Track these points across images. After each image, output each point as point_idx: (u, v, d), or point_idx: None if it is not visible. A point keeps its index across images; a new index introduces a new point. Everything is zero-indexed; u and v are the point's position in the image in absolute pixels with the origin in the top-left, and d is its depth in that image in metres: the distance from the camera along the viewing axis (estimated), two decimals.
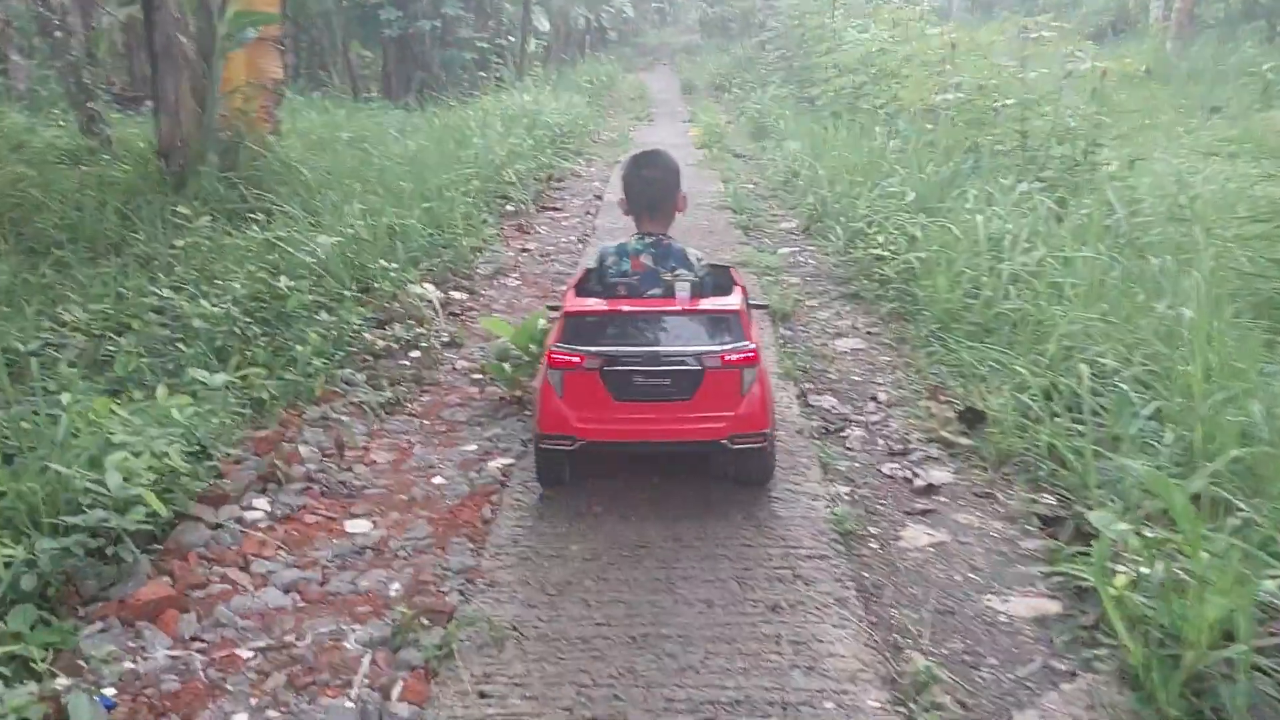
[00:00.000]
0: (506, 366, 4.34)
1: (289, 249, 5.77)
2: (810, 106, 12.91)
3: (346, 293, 5.29)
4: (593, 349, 3.28)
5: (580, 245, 7.57)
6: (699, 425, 3.28)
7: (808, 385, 4.51)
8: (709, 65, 24.34)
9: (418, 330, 5.37)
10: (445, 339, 5.29)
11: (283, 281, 4.99)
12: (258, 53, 9.36)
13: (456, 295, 6.17)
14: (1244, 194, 7.18)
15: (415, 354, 5.04)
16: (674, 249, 3.62)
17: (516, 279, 6.63)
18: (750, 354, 3.28)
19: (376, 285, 5.84)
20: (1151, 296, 4.35)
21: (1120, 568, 2.72)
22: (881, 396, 4.38)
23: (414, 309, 5.67)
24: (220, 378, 3.81)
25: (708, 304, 3.44)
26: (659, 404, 3.29)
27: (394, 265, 5.85)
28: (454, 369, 4.92)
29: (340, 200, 7.04)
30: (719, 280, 3.72)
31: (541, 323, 4.46)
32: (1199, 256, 4.72)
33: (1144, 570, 2.65)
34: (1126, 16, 24.03)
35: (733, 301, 3.46)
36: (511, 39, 20.57)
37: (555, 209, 9.10)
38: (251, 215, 6.89)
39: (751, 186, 9.83)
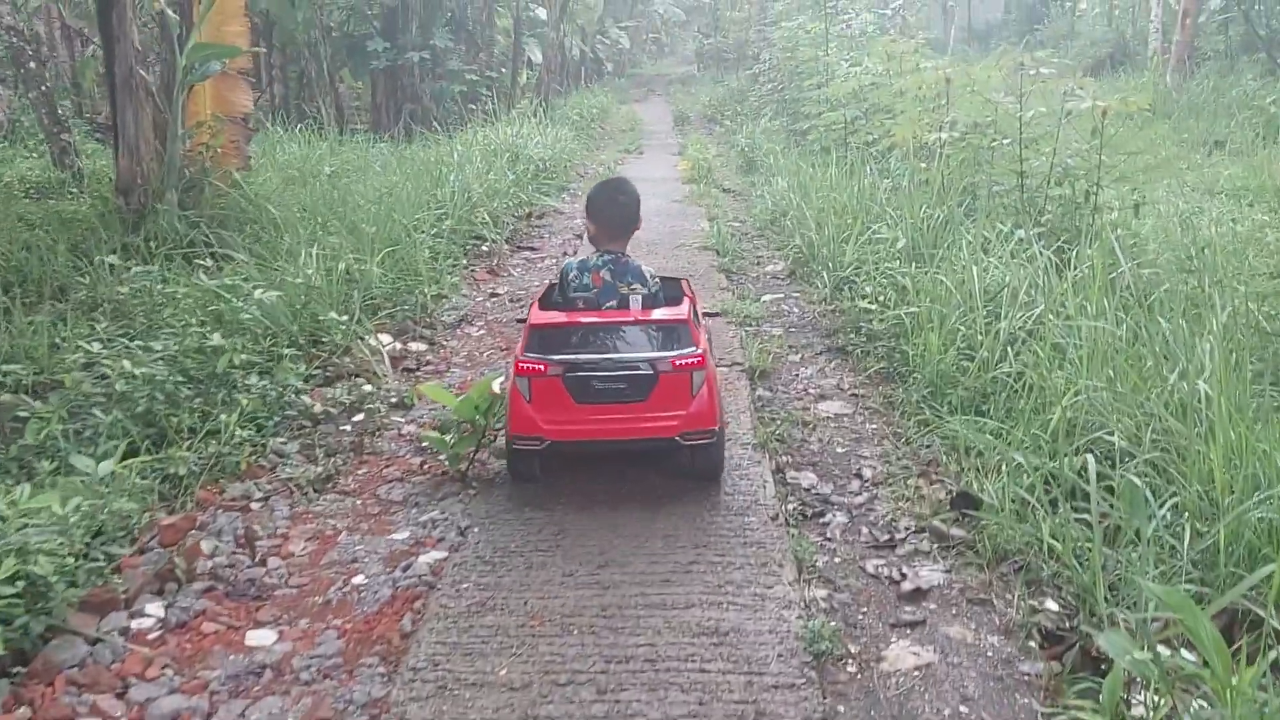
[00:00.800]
0: (449, 438, 3.92)
1: (234, 299, 5.38)
2: (801, 140, 12.57)
3: (287, 351, 4.87)
4: (555, 357, 3.61)
5: None
6: (654, 424, 3.60)
7: (785, 458, 4.08)
8: (703, 97, 24.09)
9: (365, 389, 4.96)
10: (394, 399, 4.87)
11: (216, 338, 4.58)
12: (226, 85, 9.02)
13: (415, 347, 5.76)
14: (1254, 239, 6.81)
15: (359, 417, 4.62)
16: (631, 265, 3.97)
17: (481, 327, 6.22)
18: (699, 358, 3.62)
19: (327, 338, 5.44)
20: (1162, 362, 3.94)
21: (1137, 710, 2.30)
22: (867, 473, 3.96)
23: (365, 364, 5.26)
24: (107, 465, 3.38)
25: (659, 314, 3.78)
26: (617, 405, 3.61)
27: (345, 318, 5.43)
28: (399, 434, 4.50)
29: (300, 242, 6.66)
30: (671, 292, 4.07)
31: (496, 385, 4.05)
32: (1211, 313, 4.32)
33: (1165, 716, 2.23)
34: (1125, 49, 23.80)
35: (681, 311, 3.79)
36: (503, 70, 20.31)
37: (531, 248, 8.72)
38: (205, 258, 6.53)
39: (738, 225, 9.45)
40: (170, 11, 7.84)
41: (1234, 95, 17.23)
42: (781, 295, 6.66)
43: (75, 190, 9.47)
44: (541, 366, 3.62)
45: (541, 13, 21.17)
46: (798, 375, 5.10)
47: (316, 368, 5.21)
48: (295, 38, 18.09)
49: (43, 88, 10.52)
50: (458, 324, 6.25)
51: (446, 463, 3.94)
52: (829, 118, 11.04)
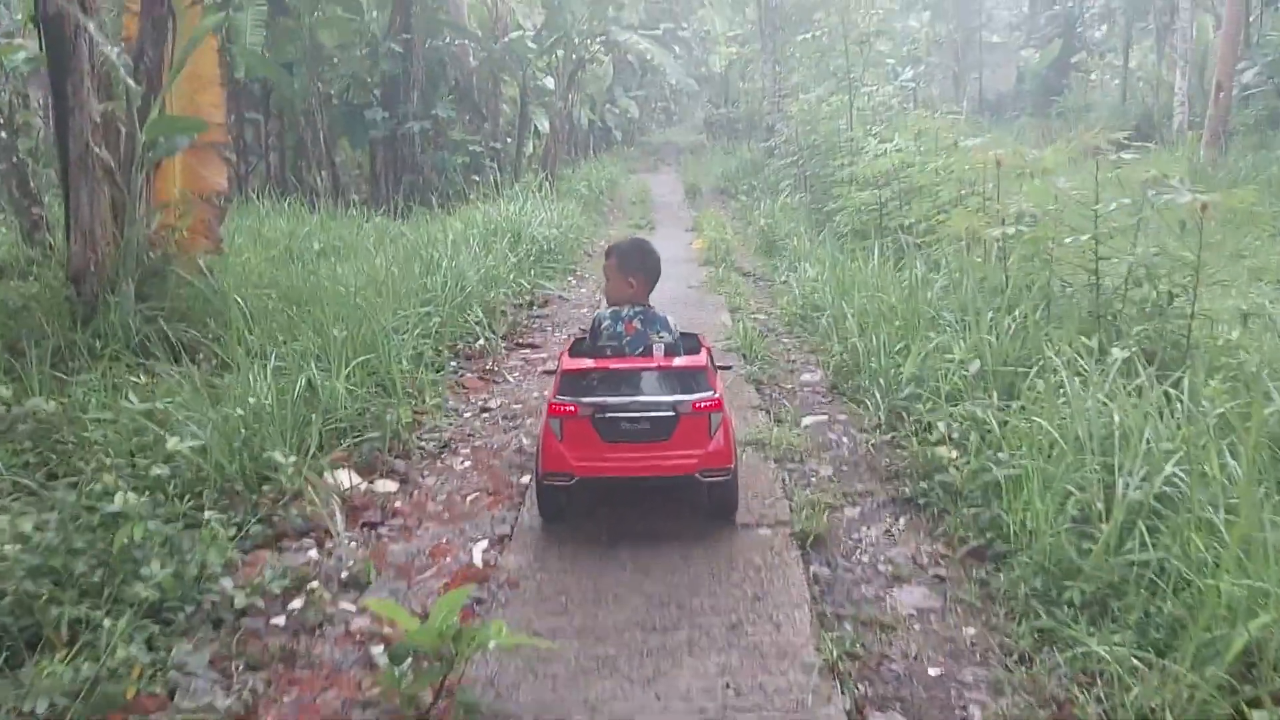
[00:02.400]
0: (402, 673, 2.85)
1: (162, 430, 4.39)
2: (825, 220, 11.64)
3: (209, 514, 3.83)
4: (585, 399, 3.95)
5: None
6: (675, 461, 3.92)
7: (862, 689, 3.01)
8: (715, 168, 23.30)
9: (310, 556, 3.93)
10: (346, 571, 3.82)
11: (119, 500, 3.54)
12: (199, 160, 8.14)
13: (382, 487, 4.73)
14: None
15: (296, 604, 3.56)
16: (658, 316, 4.42)
17: (467, 457, 5.19)
18: (716, 402, 3.95)
19: (273, 479, 4.41)
20: None
21: None
22: (976, 715, 2.89)
23: (317, 518, 4.23)
24: None
25: (680, 361, 4.13)
26: (642, 444, 3.94)
27: (292, 460, 4.40)
28: (347, 632, 3.44)
29: (267, 343, 5.71)
30: (689, 344, 4.41)
31: (468, 594, 3.03)
32: None
33: None
34: (1151, 122, 23.05)
35: (700, 360, 4.17)
36: (509, 140, 19.57)
37: (531, 345, 7.72)
38: (165, 358, 5.58)
39: (763, 318, 8.45)
40: (131, 81, 6.95)
41: (1274, 171, 16.36)
42: (825, 417, 5.61)
43: (39, 270, 8.57)
44: (573, 408, 3.95)
45: (549, 82, 20.50)
46: (860, 541, 4.03)
47: (257, 521, 4.18)
48: (293, 105, 17.38)
49: (13, 159, 9.64)
50: (439, 453, 5.22)
51: (400, 703, 2.86)
52: (860, 198, 10.11)
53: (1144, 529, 3.40)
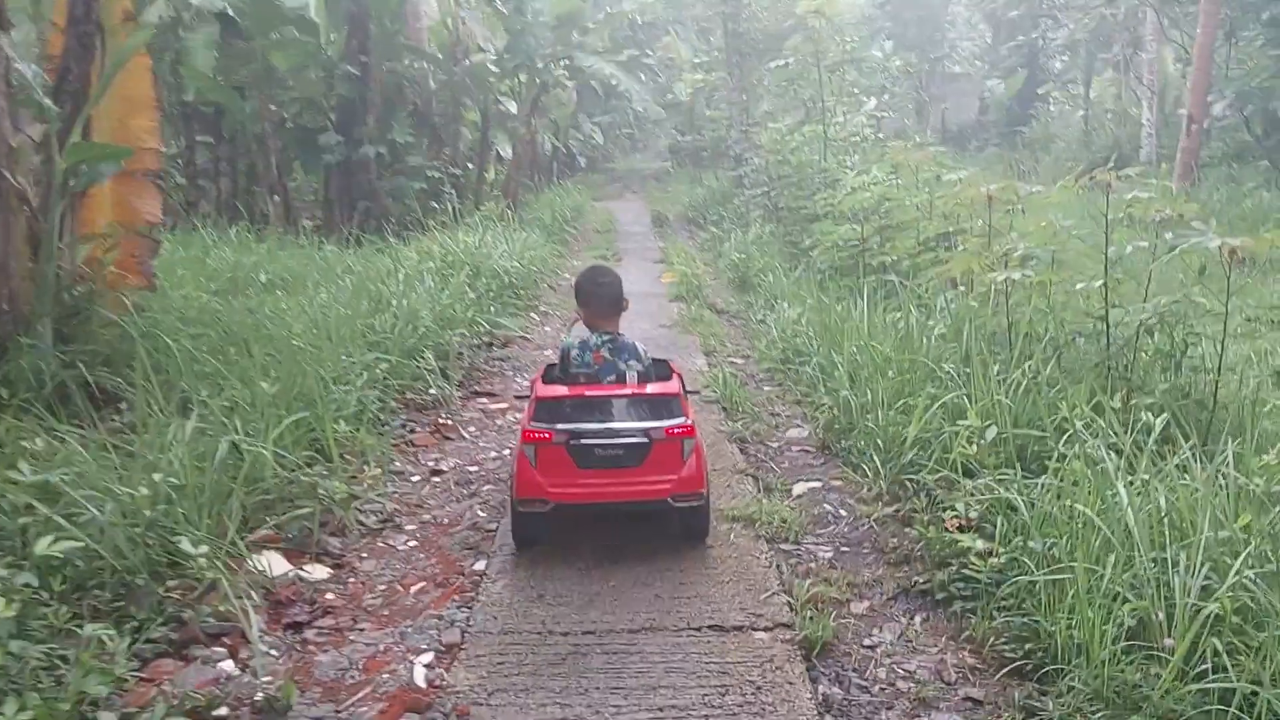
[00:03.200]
0: None
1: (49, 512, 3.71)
2: (802, 255, 11.12)
3: (92, 629, 3.16)
4: (560, 426, 4.01)
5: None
6: (648, 487, 4.00)
7: None
8: (681, 196, 22.79)
9: (222, 669, 3.27)
10: (261, 694, 3.16)
11: None
12: (131, 190, 7.44)
13: (314, 573, 4.08)
14: None
15: None
16: (626, 343, 4.42)
17: (413, 535, 4.54)
18: (688, 428, 4.05)
19: (186, 566, 3.75)
20: None
21: None
22: None
23: (234, 615, 3.57)
24: None
25: (653, 388, 4.23)
26: (616, 470, 4.02)
27: (204, 550, 3.73)
28: None
29: (189, 396, 5.05)
30: (660, 370, 4.46)
31: None
32: None
33: None
34: (1121, 155, 22.88)
35: (672, 386, 4.23)
36: (470, 166, 18.94)
37: (490, 394, 7.08)
38: (52, 421, 4.86)
39: (741, 363, 7.89)
40: (48, 101, 6.29)
41: (1247, 206, 16.15)
42: (818, 483, 5.03)
43: None
44: (547, 435, 3.98)
45: (512, 106, 19.92)
46: (875, 649, 3.43)
47: (163, 622, 3.52)
48: (245, 129, 16.67)
49: None
50: (381, 528, 4.57)
51: None
52: (839, 233, 9.60)
53: (1219, 646, 2.84)
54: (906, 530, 4.27)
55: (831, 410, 5.82)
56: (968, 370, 5.25)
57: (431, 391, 6.67)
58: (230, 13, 15.35)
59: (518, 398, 5.16)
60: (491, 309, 9.28)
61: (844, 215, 9.86)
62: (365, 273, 9.02)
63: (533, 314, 10.30)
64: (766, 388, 7.08)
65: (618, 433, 4.01)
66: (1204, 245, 4.88)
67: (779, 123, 15.61)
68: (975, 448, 4.31)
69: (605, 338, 4.42)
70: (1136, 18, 25.35)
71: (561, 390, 4.19)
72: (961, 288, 6.38)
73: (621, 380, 4.28)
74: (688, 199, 21.77)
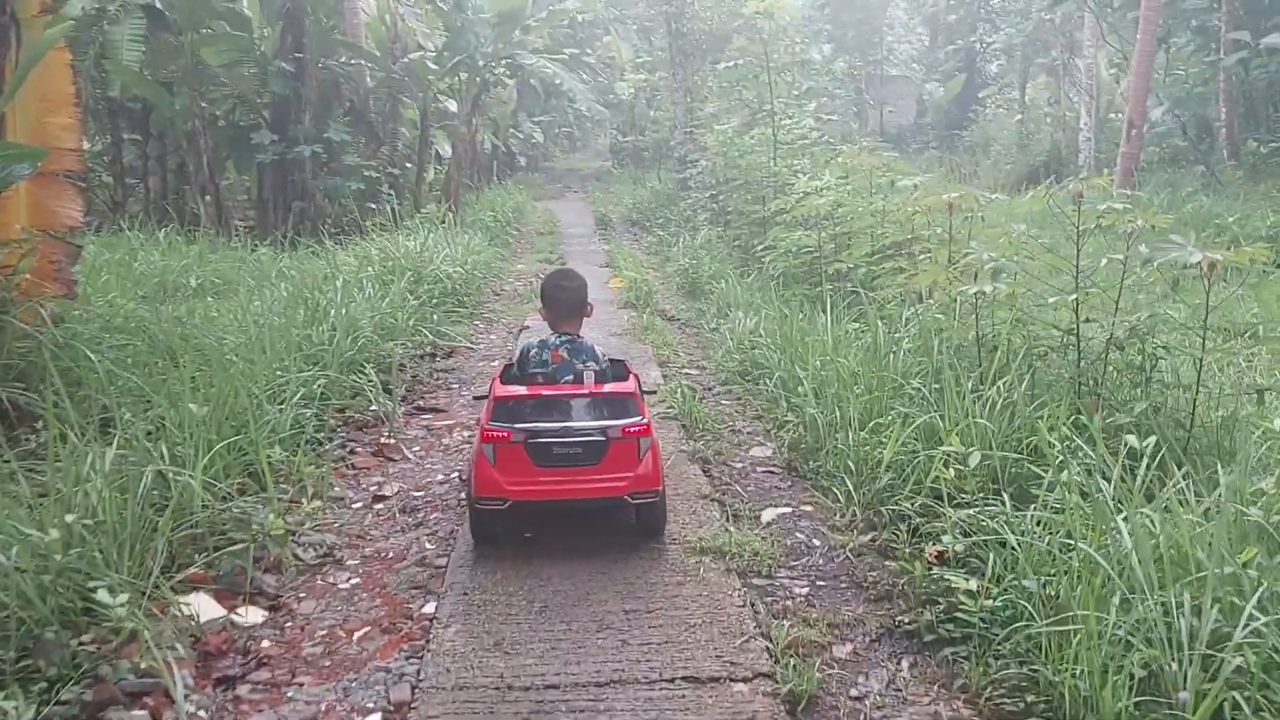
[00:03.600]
0: None
1: None
2: (754, 261, 10.90)
3: None
4: (518, 425, 4.07)
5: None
6: (606, 484, 4.06)
7: None
8: (625, 197, 22.50)
9: None
10: None
11: None
12: (49, 192, 6.97)
13: (246, 616, 3.72)
14: None
15: None
16: (584, 345, 4.55)
17: (356, 570, 4.18)
18: (644, 426, 4.13)
19: (102, 613, 3.37)
20: None
21: None
22: None
23: (157, 670, 3.21)
24: None
25: (609, 387, 4.31)
26: (573, 469, 4.08)
27: (123, 597, 3.35)
28: None
29: (111, 415, 4.64)
30: (617, 371, 4.60)
31: None
32: None
33: None
34: (1059, 159, 23.12)
35: (629, 386, 4.32)
36: (409, 165, 18.44)
37: (435, 409, 6.72)
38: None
39: (696, 373, 7.63)
40: None
41: (1187, 211, 16.33)
42: (788, 508, 4.76)
43: None
44: (505, 434, 4.03)
45: (452, 105, 19.46)
46: (863, 700, 3.16)
47: (76, 679, 3.14)
48: (175, 126, 16.02)
49: None
50: (320, 563, 4.22)
51: None
52: (792, 239, 9.39)
53: (1239, 701, 2.64)
54: (886, 563, 4.03)
55: (797, 428, 5.58)
56: (938, 386, 5.05)
57: (373, 408, 6.30)
58: (158, 6, 14.76)
59: (476, 398, 5.15)
60: (434, 317, 8.91)
61: (796, 221, 9.66)
62: (301, 279, 8.59)
63: (477, 321, 9.94)
64: (725, 401, 6.82)
65: (575, 431, 4.08)
66: (1184, 258, 4.72)
67: (725, 124, 15.39)
68: (955, 473, 4.09)
69: (565, 338, 4.51)
70: (1073, 22, 25.65)
71: (520, 390, 4.23)
72: (930, 300, 6.18)
73: (578, 380, 4.34)
74: (631, 200, 21.49)
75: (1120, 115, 26.05)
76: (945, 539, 3.72)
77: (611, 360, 4.66)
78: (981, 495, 3.98)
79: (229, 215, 16.62)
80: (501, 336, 9.19)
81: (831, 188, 9.45)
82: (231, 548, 4.01)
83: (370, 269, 9.63)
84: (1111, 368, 5.28)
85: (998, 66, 35.45)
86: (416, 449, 5.86)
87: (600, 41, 33.89)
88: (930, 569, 3.67)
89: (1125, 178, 18.45)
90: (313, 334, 6.81)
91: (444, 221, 14.17)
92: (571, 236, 17.95)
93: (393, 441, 5.86)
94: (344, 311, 7.31)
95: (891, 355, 5.62)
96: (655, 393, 5.97)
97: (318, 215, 15.50)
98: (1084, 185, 5.63)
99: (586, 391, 4.22)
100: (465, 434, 6.11)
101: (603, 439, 4.06)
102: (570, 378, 4.37)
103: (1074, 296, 5.21)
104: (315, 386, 5.90)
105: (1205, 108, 21.04)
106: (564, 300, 4.59)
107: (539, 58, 20.45)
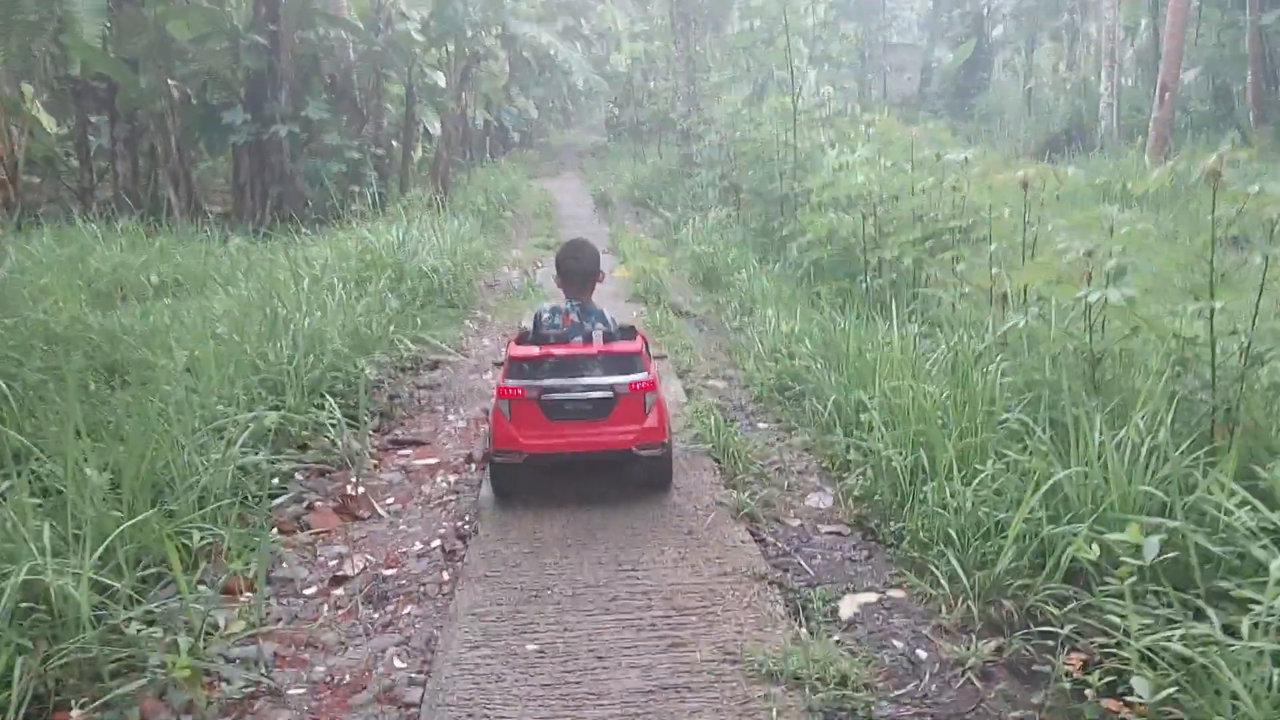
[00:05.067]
0: None
1: None
2: (776, 247, 9.75)
3: None
4: (532, 383, 4.35)
5: (463, 545, 4.12)
6: (614, 437, 4.34)
7: None
8: (624, 174, 21.24)
9: None
10: None
11: None
12: None
13: None
14: None
15: None
16: (594, 310, 4.83)
17: (298, 705, 3.07)
18: (650, 383, 4.38)
19: None
20: None
21: None
22: None
23: None
24: None
25: (617, 346, 4.52)
26: (583, 422, 4.36)
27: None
28: None
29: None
30: (625, 334, 4.81)
31: None
32: None
33: None
34: (1080, 126, 21.89)
35: (634, 345, 4.57)
36: (394, 144, 17.21)
37: (416, 441, 5.60)
38: None
39: (723, 386, 6.50)
40: None
41: (1229, 179, 15.13)
42: (873, 595, 3.62)
43: None
44: (520, 390, 4.32)
45: (440, 79, 18.19)
46: None
47: None
48: (144, 106, 14.80)
49: None
50: (250, 696, 3.09)
51: None
52: (825, 223, 8.22)
53: None
54: (1029, 692, 2.91)
55: (865, 472, 4.46)
56: (1051, 425, 3.93)
57: (338, 447, 5.18)
58: None
59: (495, 364, 5.49)
60: (417, 320, 7.76)
61: (826, 203, 8.51)
62: (262, 283, 7.42)
63: (467, 322, 8.80)
64: (762, 424, 5.70)
65: (585, 388, 4.35)
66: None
67: (733, 95, 14.19)
68: (1105, 555, 2.97)
69: (576, 304, 4.80)
70: None
71: (533, 350, 4.47)
72: (1028, 304, 5.03)
73: (588, 341, 4.56)
74: (631, 177, 20.27)
75: (1130, 81, 24.84)
76: (1138, 684, 2.57)
77: (622, 326, 4.87)
78: (1148, 586, 2.86)
79: (201, 201, 15.44)
80: (495, 341, 8.04)
81: (867, 162, 8.28)
82: (125, 689, 2.89)
83: (347, 264, 8.49)
84: (1251, 388, 4.19)
85: (1002, 31, 34.12)
86: (390, 501, 4.74)
87: (595, 10, 32.53)
88: (1098, 702, 2.54)
89: (1159, 145, 17.29)
90: (270, 352, 5.68)
91: (430, 206, 12.97)
92: (570, 219, 16.75)
93: (360, 492, 4.73)
94: (308, 322, 6.17)
95: (982, 378, 4.47)
96: (665, 357, 6.54)
97: (297, 199, 14.33)
98: (1222, 163, 4.52)
99: (595, 351, 4.44)
100: (453, 479, 4.99)
101: (610, 395, 4.32)
102: (580, 338, 4.61)
103: (1217, 303, 4.11)
104: (265, 422, 4.77)
105: (1241, 69, 19.80)
106: (576, 270, 4.84)
107: (532, 27, 19.20)
